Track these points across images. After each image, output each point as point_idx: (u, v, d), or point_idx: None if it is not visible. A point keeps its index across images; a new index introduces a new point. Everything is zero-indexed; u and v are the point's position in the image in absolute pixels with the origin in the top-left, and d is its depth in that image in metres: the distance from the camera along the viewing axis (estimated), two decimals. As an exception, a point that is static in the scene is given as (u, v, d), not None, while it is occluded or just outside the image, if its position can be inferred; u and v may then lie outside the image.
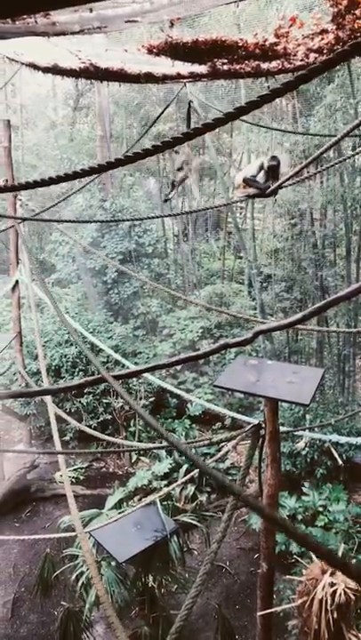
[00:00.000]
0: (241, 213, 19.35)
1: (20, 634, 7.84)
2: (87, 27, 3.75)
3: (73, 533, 6.03)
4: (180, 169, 6.55)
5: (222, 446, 9.17)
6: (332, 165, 9.83)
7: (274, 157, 5.16)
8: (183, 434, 11.75)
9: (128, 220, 13.04)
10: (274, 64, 4.43)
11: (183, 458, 10.96)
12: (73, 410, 11.83)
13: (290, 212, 13.36)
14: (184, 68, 4.81)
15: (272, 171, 5.15)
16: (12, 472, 10.52)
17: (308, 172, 6.34)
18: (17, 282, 9.63)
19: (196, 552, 8.84)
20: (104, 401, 11.96)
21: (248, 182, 5.18)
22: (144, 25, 4.20)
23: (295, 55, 4.21)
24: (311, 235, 12.98)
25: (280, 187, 5.07)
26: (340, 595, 4.03)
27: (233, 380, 4.05)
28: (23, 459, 10.58)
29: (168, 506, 7.06)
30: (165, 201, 11.65)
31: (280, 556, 7.99)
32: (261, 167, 5.16)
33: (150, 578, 6.45)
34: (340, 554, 4.60)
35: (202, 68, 4.75)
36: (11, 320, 10.78)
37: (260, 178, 5.16)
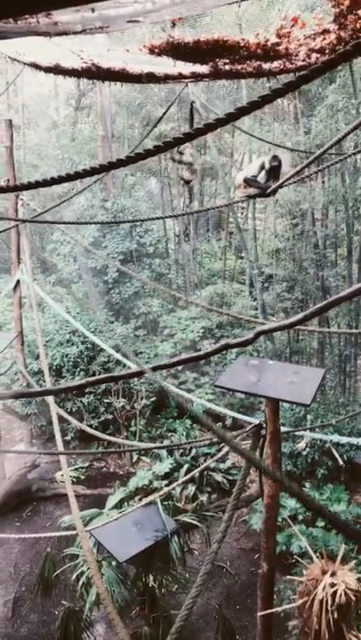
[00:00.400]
0: (242, 213, 19.34)
1: (21, 633, 7.84)
2: (89, 27, 3.76)
3: (74, 532, 6.05)
4: (192, 173, 6.54)
5: (223, 446, 9.17)
6: (333, 164, 9.80)
7: (275, 157, 5.15)
8: (184, 434, 11.75)
9: (130, 222, 13.05)
10: (276, 64, 4.43)
11: (184, 458, 10.97)
12: (74, 409, 11.84)
13: (291, 212, 13.36)
14: (186, 68, 4.81)
15: (273, 170, 5.14)
16: (13, 471, 10.53)
17: (309, 172, 6.32)
18: (18, 281, 9.64)
19: (196, 552, 8.84)
20: (105, 401, 11.96)
21: (249, 182, 5.17)
22: (146, 25, 4.21)
23: (297, 55, 4.21)
24: (313, 235, 12.98)
25: (281, 186, 5.07)
26: (341, 595, 4.02)
27: (234, 380, 4.05)
28: (24, 458, 10.59)
29: (169, 506, 7.06)
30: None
31: (281, 557, 7.99)
32: (262, 167, 5.15)
33: (151, 578, 6.45)
34: (340, 554, 4.59)
35: (203, 68, 4.75)
36: (12, 319, 10.79)
37: (261, 178, 5.14)
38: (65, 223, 10.06)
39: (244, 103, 1.46)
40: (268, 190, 5.12)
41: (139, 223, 14.41)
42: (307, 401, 3.63)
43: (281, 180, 5.05)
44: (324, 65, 1.33)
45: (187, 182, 6.78)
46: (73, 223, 13.49)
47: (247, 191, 5.31)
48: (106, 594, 3.42)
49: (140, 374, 2.05)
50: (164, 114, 8.07)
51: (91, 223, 13.90)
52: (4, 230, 9.62)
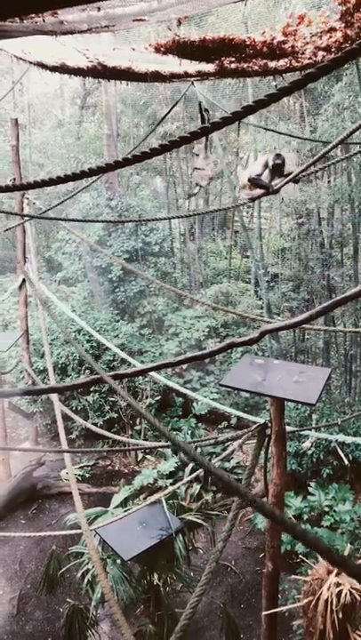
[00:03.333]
0: (248, 212, 19.31)
1: (26, 630, 7.88)
2: (95, 25, 3.76)
3: (79, 531, 6.06)
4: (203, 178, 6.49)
5: (228, 445, 9.17)
6: (338, 161, 9.76)
7: (278, 155, 5.11)
8: (189, 432, 11.76)
9: (135, 222, 13.05)
10: (282, 62, 4.41)
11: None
12: (79, 408, 11.87)
13: (297, 211, 13.32)
14: (191, 66, 4.80)
15: (277, 169, 5.11)
16: (19, 469, 10.57)
17: (314, 171, 6.30)
18: (24, 280, 9.65)
19: (201, 551, 8.85)
20: (110, 399, 11.99)
21: (253, 182, 5.14)
22: (152, 24, 4.20)
23: (303, 53, 4.19)
24: (318, 234, 12.94)
25: (285, 184, 5.03)
26: (346, 595, 4.02)
27: (239, 379, 4.04)
28: (29, 456, 10.64)
29: (173, 504, 7.06)
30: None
31: (285, 556, 7.97)
32: (266, 165, 5.12)
33: (155, 576, 6.46)
34: (346, 554, 4.59)
35: (209, 67, 4.74)
36: (18, 318, 10.82)
37: (265, 176, 5.11)
38: (70, 220, 10.07)
39: (250, 102, 1.46)
40: (273, 189, 5.09)
41: (144, 222, 14.42)
42: (312, 400, 3.62)
43: (287, 179, 5.02)
44: (330, 63, 1.32)
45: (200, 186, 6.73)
46: (77, 220, 13.51)
47: (252, 193, 5.27)
48: (110, 592, 3.42)
49: (144, 372, 2.06)
50: (169, 112, 8.05)
51: (95, 221, 13.92)
52: (10, 228, 9.63)
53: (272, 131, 11.05)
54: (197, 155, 6.39)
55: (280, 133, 10.59)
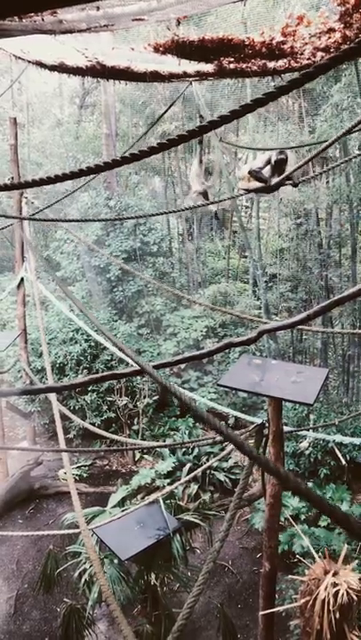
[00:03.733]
0: (246, 212, 19.32)
1: (23, 630, 7.87)
2: (94, 25, 3.75)
3: (76, 530, 6.06)
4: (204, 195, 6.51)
5: (226, 445, 9.16)
6: (338, 165, 9.79)
7: (282, 152, 5.12)
8: (187, 432, 11.76)
9: (132, 218, 13.04)
10: (281, 63, 4.41)
11: (186, 457, 10.98)
12: (77, 407, 11.86)
13: (295, 211, 13.33)
14: (190, 66, 4.80)
15: (279, 165, 5.11)
16: (16, 469, 10.56)
17: (313, 170, 6.31)
18: (22, 279, 9.65)
19: (198, 551, 8.85)
20: (108, 399, 11.98)
21: (253, 174, 5.14)
22: (151, 23, 4.20)
23: (302, 54, 4.19)
24: (317, 234, 12.95)
25: (283, 182, 5.04)
26: (343, 595, 4.02)
27: (237, 379, 4.05)
28: (27, 456, 10.63)
29: (171, 504, 7.06)
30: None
31: (283, 556, 7.99)
32: (268, 161, 5.13)
33: (153, 576, 6.45)
34: (343, 554, 4.59)
35: (208, 67, 4.74)
36: (16, 317, 10.81)
37: (266, 171, 5.12)
38: (67, 221, 10.06)
39: (249, 101, 1.46)
40: (271, 184, 5.10)
41: (142, 222, 14.40)
42: (310, 400, 3.62)
43: (283, 175, 5.03)
44: (328, 62, 1.32)
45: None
46: (75, 220, 13.50)
47: (250, 185, 5.27)
48: (108, 591, 3.42)
49: (142, 372, 2.05)
50: (166, 110, 8.07)
51: (93, 220, 13.91)
52: (7, 227, 9.62)
53: (252, 149, 11.05)
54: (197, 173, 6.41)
55: (263, 149, 10.58)
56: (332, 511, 1.13)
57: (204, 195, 6.48)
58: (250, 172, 5.13)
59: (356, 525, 1.09)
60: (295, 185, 5.19)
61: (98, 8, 3.54)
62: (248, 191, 5.42)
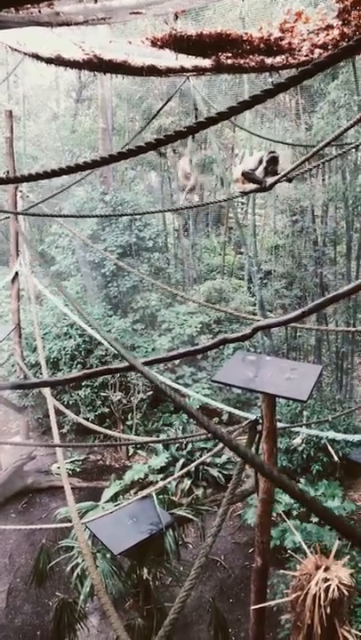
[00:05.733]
0: (242, 209, 19.31)
1: (15, 624, 7.88)
2: (91, 17, 3.73)
3: (69, 524, 6.07)
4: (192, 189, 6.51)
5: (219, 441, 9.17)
6: (332, 158, 9.76)
7: (273, 153, 5.12)
8: (180, 428, 11.78)
9: (128, 215, 13.00)
10: (278, 59, 4.40)
11: (180, 452, 11.01)
12: (71, 402, 11.86)
13: (291, 208, 13.34)
14: (188, 61, 4.79)
15: (271, 165, 5.11)
16: (9, 463, 10.55)
17: (309, 168, 6.30)
18: (17, 273, 9.61)
19: (191, 546, 8.89)
20: (102, 394, 11.98)
21: (247, 176, 5.14)
22: (148, 17, 4.18)
23: (300, 50, 4.19)
24: (312, 232, 12.97)
25: (279, 181, 5.04)
26: (334, 590, 4.05)
27: (231, 375, 4.05)
28: (20, 450, 10.61)
29: (164, 499, 7.08)
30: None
31: (274, 551, 8.03)
32: (260, 161, 5.13)
33: (145, 570, 6.48)
34: (334, 550, 4.62)
35: (206, 62, 4.72)
36: (10, 312, 10.77)
37: (259, 172, 5.12)
38: (62, 216, 10.01)
39: (247, 97, 1.45)
40: (266, 185, 5.10)
41: (138, 217, 14.37)
42: (303, 397, 3.63)
43: (279, 176, 5.02)
44: (327, 59, 1.32)
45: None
46: (70, 216, 13.44)
47: (244, 186, 5.28)
48: (100, 585, 3.43)
49: (135, 368, 2.05)
50: (163, 105, 8.04)
51: (88, 217, 13.85)
52: (2, 220, 9.57)
53: (258, 135, 11.03)
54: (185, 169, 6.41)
55: (264, 138, 10.58)
56: (323, 511, 1.14)
57: (193, 188, 6.49)
58: (243, 175, 5.13)
59: (346, 526, 1.10)
60: (290, 180, 5.19)
61: (95, 0, 3.52)
62: (244, 193, 5.42)
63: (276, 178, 4.99)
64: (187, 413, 1.52)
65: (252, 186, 5.17)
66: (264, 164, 5.08)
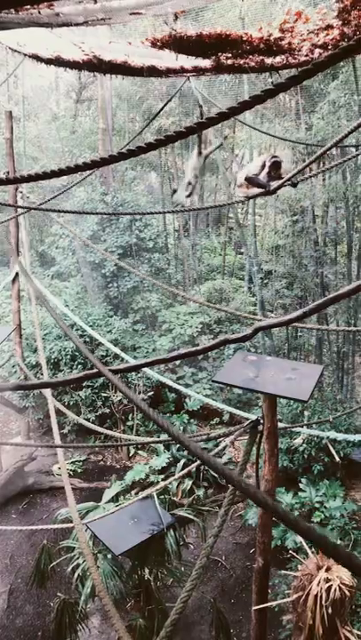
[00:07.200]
0: (242, 209, 19.30)
1: (16, 624, 7.88)
2: (91, 18, 3.73)
3: (70, 525, 6.06)
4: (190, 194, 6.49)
5: (220, 442, 9.18)
6: (335, 165, 9.80)
7: (275, 157, 5.12)
8: (181, 428, 11.78)
9: (127, 214, 12.99)
10: (278, 59, 4.41)
11: (180, 452, 11.00)
12: (71, 403, 11.85)
13: (291, 208, 13.33)
14: (188, 61, 4.79)
15: (274, 169, 5.11)
16: (10, 464, 10.55)
17: (310, 170, 6.30)
18: (17, 274, 9.61)
19: (192, 546, 8.88)
20: (102, 394, 11.98)
21: (251, 181, 5.14)
22: (148, 17, 4.18)
23: (300, 50, 4.18)
24: (312, 232, 12.96)
25: (283, 185, 5.03)
26: (336, 590, 4.05)
27: (232, 375, 4.05)
28: (21, 451, 10.61)
29: (165, 500, 7.07)
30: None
31: (276, 551, 8.03)
32: (263, 165, 5.13)
33: (146, 571, 6.47)
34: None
35: (206, 62, 4.72)
36: (10, 312, 10.77)
37: (263, 176, 5.12)
38: (62, 212, 10.01)
39: (247, 97, 1.45)
40: (271, 189, 5.09)
41: (138, 217, 14.37)
42: (304, 397, 3.63)
43: (283, 180, 5.02)
44: (327, 59, 1.32)
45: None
46: (70, 212, 13.44)
47: (248, 191, 5.28)
48: (101, 586, 3.43)
49: (138, 368, 2.05)
50: (164, 106, 8.04)
51: (89, 213, 13.84)
52: (3, 222, 9.57)
53: (259, 131, 11.04)
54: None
55: (269, 134, 10.58)
56: (320, 538, 1.14)
57: (192, 187, 6.47)
58: (247, 179, 5.13)
59: (344, 553, 1.10)
60: (294, 185, 5.18)
61: (95, 1, 3.51)
62: (249, 198, 5.43)
63: (281, 182, 4.99)
64: (162, 428, 1.51)
65: (256, 190, 5.18)
66: (267, 168, 5.09)
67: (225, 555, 9.29)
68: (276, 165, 5.07)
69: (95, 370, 2.15)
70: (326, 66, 1.34)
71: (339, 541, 6.22)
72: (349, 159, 8.99)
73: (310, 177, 8.12)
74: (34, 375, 10.95)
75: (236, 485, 1.21)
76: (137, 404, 1.72)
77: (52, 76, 19.71)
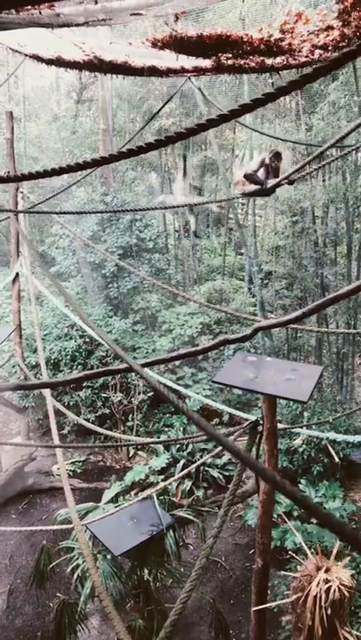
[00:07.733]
0: (242, 210, 19.31)
1: (15, 625, 7.88)
2: (92, 19, 3.73)
3: (70, 526, 6.06)
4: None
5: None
6: (333, 160, 9.77)
7: (276, 154, 5.12)
8: (181, 429, 11.78)
9: (128, 211, 12.96)
10: (278, 60, 4.41)
11: (180, 453, 11.00)
12: (71, 403, 11.85)
13: (291, 209, 13.34)
14: (188, 62, 4.79)
15: (273, 167, 5.11)
16: (10, 464, 10.54)
17: (309, 170, 6.30)
18: (17, 274, 9.61)
19: (191, 547, 8.87)
20: (102, 395, 11.97)
21: (248, 178, 5.14)
22: (149, 18, 4.18)
23: (300, 51, 4.19)
24: (312, 232, 12.97)
25: (280, 184, 5.03)
26: (335, 591, 4.04)
27: (232, 376, 4.05)
28: (21, 451, 10.61)
29: (165, 500, 7.07)
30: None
31: (275, 552, 8.02)
32: (262, 163, 5.13)
33: (146, 571, 6.47)
34: (335, 551, 4.62)
35: (206, 63, 4.73)
36: (10, 312, 10.77)
37: (261, 174, 5.12)
38: (62, 213, 10.01)
39: (246, 99, 1.45)
40: (267, 187, 5.09)
41: (138, 218, 14.37)
42: (304, 398, 3.63)
43: (280, 178, 5.02)
44: (329, 63, 1.32)
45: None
46: (70, 213, 13.44)
47: (245, 188, 5.27)
48: (101, 587, 3.43)
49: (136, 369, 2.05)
50: (163, 106, 8.06)
51: (88, 212, 13.83)
52: (3, 220, 9.57)
53: (259, 132, 11.05)
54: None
55: (270, 135, 10.59)
56: (321, 514, 1.14)
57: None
58: (245, 176, 5.13)
59: (343, 528, 1.09)
60: (291, 183, 5.19)
61: (96, 2, 3.52)
62: (245, 195, 5.42)
63: (277, 180, 4.98)
64: (186, 416, 1.51)
65: (252, 188, 5.17)
66: (267, 161, 5.09)
67: (224, 555, 9.28)
68: (277, 156, 5.08)
69: (94, 370, 2.15)
70: (328, 70, 1.34)
71: (338, 542, 6.20)
72: (344, 154, 8.96)
73: (307, 174, 8.11)
74: (34, 375, 10.95)
75: (270, 480, 1.21)
76: (175, 400, 1.72)
77: (53, 76, 19.70)
